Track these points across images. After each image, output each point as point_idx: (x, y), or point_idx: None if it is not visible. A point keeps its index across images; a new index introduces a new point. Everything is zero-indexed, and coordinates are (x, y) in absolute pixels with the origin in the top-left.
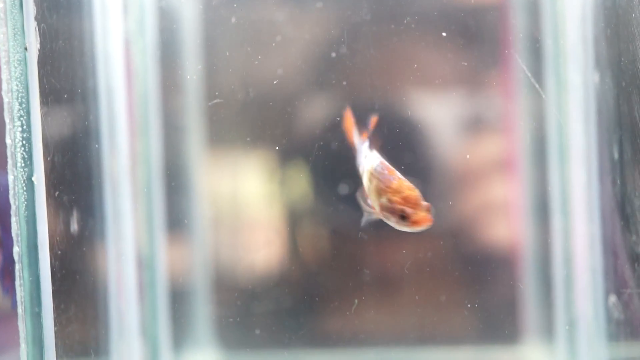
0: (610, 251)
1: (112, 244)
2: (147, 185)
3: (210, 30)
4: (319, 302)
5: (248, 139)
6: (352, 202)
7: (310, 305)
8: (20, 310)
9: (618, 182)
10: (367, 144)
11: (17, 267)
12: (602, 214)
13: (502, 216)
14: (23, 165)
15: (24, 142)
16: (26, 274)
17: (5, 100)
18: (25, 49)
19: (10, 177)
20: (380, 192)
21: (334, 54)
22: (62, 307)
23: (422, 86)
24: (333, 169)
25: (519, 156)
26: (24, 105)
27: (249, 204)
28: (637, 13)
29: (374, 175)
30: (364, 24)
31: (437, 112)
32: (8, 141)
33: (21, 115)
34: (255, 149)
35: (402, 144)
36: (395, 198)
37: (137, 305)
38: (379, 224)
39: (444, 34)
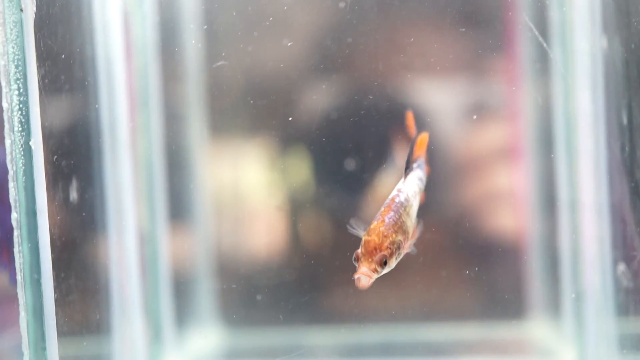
0: (618, 219)
1: (112, 217)
2: (148, 159)
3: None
4: (322, 281)
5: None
6: (354, 188)
7: (313, 284)
8: (19, 277)
9: (627, 148)
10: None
11: (16, 233)
12: (610, 181)
13: (509, 197)
14: (20, 129)
15: (21, 105)
16: (25, 241)
17: (1, 62)
18: (21, 10)
19: (8, 142)
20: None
21: (336, 41)
22: (62, 276)
23: (426, 72)
24: (335, 154)
25: (525, 132)
26: (20, 68)
27: (251, 189)
28: None
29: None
30: (368, 10)
31: (441, 99)
32: (4, 104)
33: (17, 79)
34: (257, 136)
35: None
36: (364, 237)
37: (138, 280)
38: None
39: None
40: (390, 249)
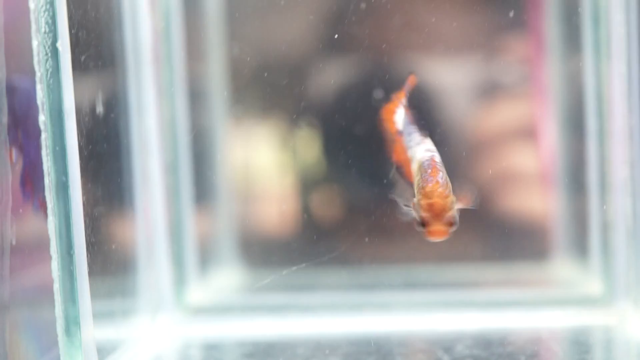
0: None
1: (137, 141)
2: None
3: None
4: (337, 230)
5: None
6: (364, 166)
7: (329, 232)
8: (47, 181)
9: None
10: (416, 128)
11: (43, 136)
12: None
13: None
14: (47, 30)
15: (48, 6)
16: (51, 143)
17: None
18: None
19: (35, 43)
20: (418, 190)
21: (350, 20)
22: (89, 186)
23: (444, 50)
24: (346, 133)
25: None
26: None
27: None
28: None
29: (420, 169)
30: None
31: (460, 77)
32: (31, 5)
33: None
34: (271, 117)
35: (422, 110)
36: (422, 202)
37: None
38: None
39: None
40: (452, 208)
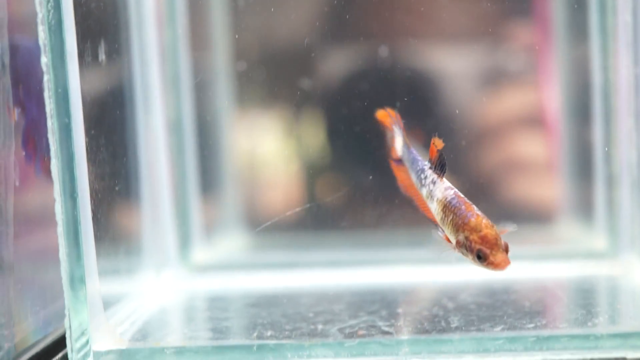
0: None
1: (141, 95)
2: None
3: None
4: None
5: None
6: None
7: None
8: (49, 123)
9: None
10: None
11: (46, 78)
12: None
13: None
14: None
15: None
16: (54, 85)
17: None
18: None
19: None
20: (457, 227)
21: (355, 8)
22: (92, 132)
23: (448, 38)
24: (350, 121)
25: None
26: None
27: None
28: None
29: (448, 208)
30: None
31: (464, 65)
32: None
33: None
34: (275, 106)
35: (426, 98)
36: (473, 237)
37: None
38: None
39: None
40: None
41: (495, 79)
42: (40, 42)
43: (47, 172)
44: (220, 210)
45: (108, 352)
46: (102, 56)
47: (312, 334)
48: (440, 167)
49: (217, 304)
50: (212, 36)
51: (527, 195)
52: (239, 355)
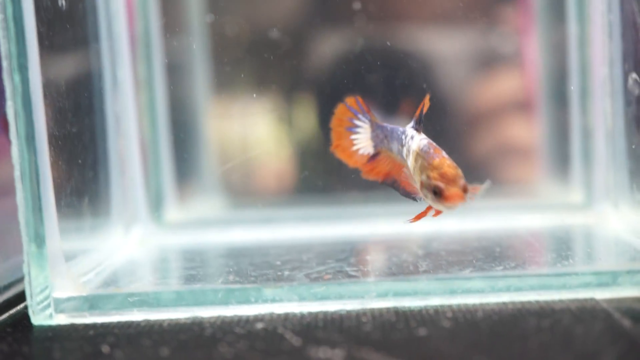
0: (629, 26)
1: (108, 54)
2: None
3: None
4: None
5: (254, 95)
6: None
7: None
8: (5, 64)
9: None
10: (412, 125)
11: (1, 17)
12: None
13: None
14: None
15: None
16: (12, 24)
17: None
18: None
19: None
20: (422, 169)
21: None
22: (51, 78)
23: (435, 22)
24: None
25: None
26: None
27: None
28: None
29: (419, 154)
30: None
31: (450, 48)
32: None
33: None
34: (263, 92)
35: (414, 82)
36: (433, 174)
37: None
38: None
39: None
40: (463, 177)
41: (479, 61)
42: None
43: (7, 130)
44: (195, 170)
45: (68, 299)
46: (62, 1)
47: (278, 279)
48: (419, 121)
49: (186, 256)
50: (187, 21)
51: (507, 151)
52: (202, 300)
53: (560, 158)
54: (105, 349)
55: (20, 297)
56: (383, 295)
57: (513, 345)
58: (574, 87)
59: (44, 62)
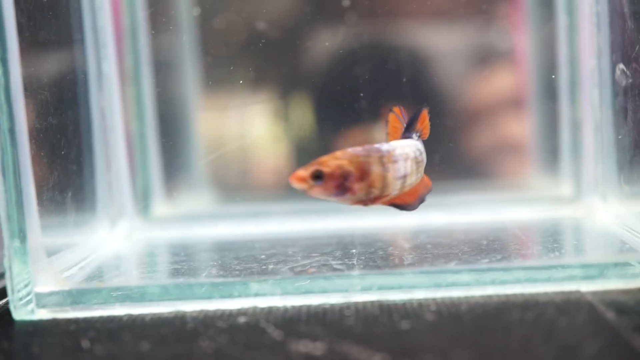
0: (617, 16)
1: (92, 46)
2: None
3: None
4: None
5: (241, 81)
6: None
7: None
8: None
9: None
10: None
11: None
12: None
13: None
14: None
15: None
16: None
17: None
18: None
19: None
20: None
21: None
22: (32, 70)
23: (430, 19)
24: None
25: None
26: None
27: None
28: None
29: None
30: None
31: (445, 45)
32: None
33: None
34: (258, 89)
35: (409, 78)
36: None
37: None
38: None
39: None
40: (335, 172)
41: (473, 57)
42: None
43: None
44: (183, 164)
45: (50, 294)
46: None
47: (262, 273)
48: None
49: (171, 250)
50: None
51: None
52: (185, 294)
53: (550, 151)
54: (86, 343)
55: (2, 292)
56: (367, 288)
57: (495, 338)
58: (554, 76)
59: (24, 55)
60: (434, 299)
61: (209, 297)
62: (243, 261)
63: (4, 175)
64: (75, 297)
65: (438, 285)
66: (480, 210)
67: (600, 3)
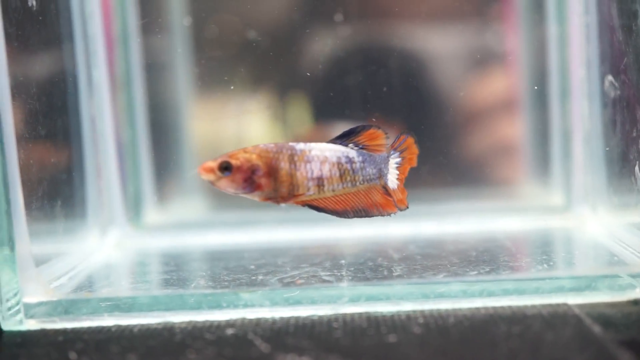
0: (605, 29)
1: (83, 54)
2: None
3: None
4: None
5: (232, 87)
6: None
7: None
8: None
9: None
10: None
11: None
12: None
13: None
14: None
15: None
16: None
17: None
18: None
19: None
20: None
21: None
22: (18, 76)
23: (425, 20)
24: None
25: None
26: None
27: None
28: None
29: None
30: None
31: (440, 47)
32: None
33: None
34: (251, 96)
35: (403, 80)
36: None
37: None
38: None
39: None
40: (243, 164)
41: (466, 58)
42: None
43: None
44: (175, 172)
45: (39, 304)
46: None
47: (251, 284)
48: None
49: (161, 260)
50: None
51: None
52: (173, 305)
53: (541, 160)
54: (73, 355)
55: None
56: (355, 300)
57: (481, 351)
58: (537, 87)
59: (12, 62)
60: (422, 311)
61: (198, 308)
62: (232, 271)
63: None
64: (64, 307)
65: (426, 297)
66: (471, 219)
67: (590, 14)
